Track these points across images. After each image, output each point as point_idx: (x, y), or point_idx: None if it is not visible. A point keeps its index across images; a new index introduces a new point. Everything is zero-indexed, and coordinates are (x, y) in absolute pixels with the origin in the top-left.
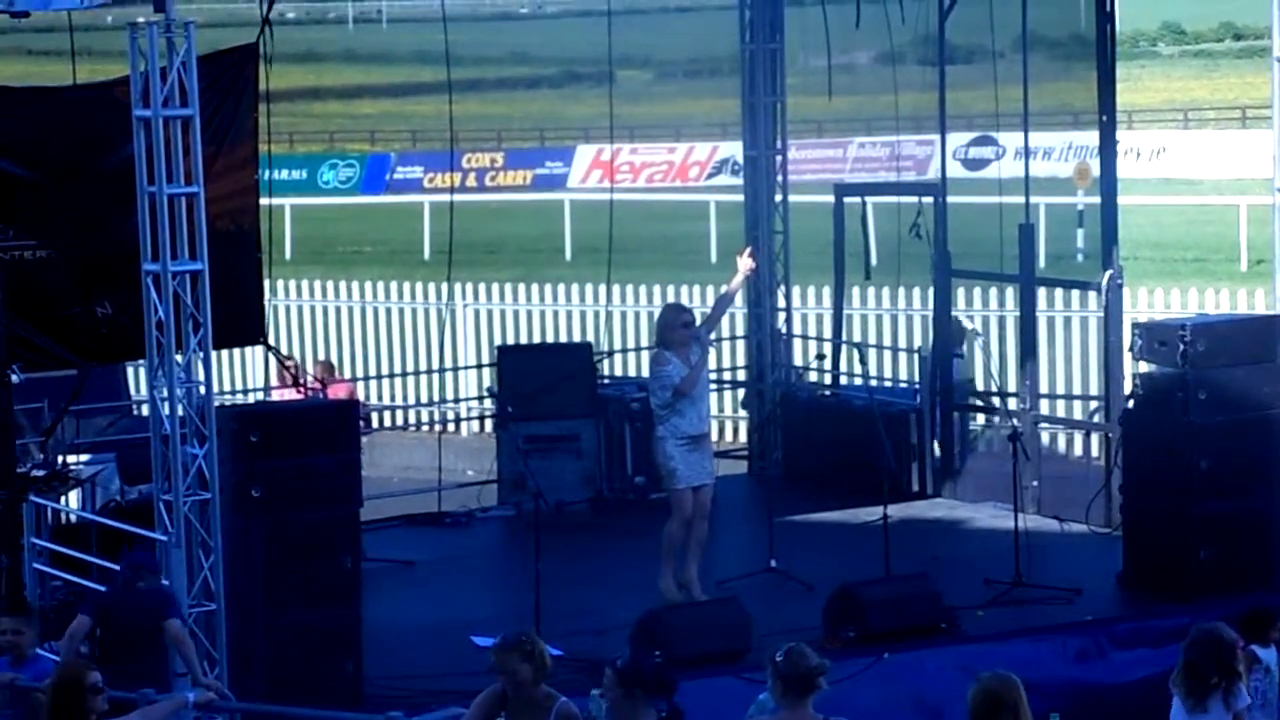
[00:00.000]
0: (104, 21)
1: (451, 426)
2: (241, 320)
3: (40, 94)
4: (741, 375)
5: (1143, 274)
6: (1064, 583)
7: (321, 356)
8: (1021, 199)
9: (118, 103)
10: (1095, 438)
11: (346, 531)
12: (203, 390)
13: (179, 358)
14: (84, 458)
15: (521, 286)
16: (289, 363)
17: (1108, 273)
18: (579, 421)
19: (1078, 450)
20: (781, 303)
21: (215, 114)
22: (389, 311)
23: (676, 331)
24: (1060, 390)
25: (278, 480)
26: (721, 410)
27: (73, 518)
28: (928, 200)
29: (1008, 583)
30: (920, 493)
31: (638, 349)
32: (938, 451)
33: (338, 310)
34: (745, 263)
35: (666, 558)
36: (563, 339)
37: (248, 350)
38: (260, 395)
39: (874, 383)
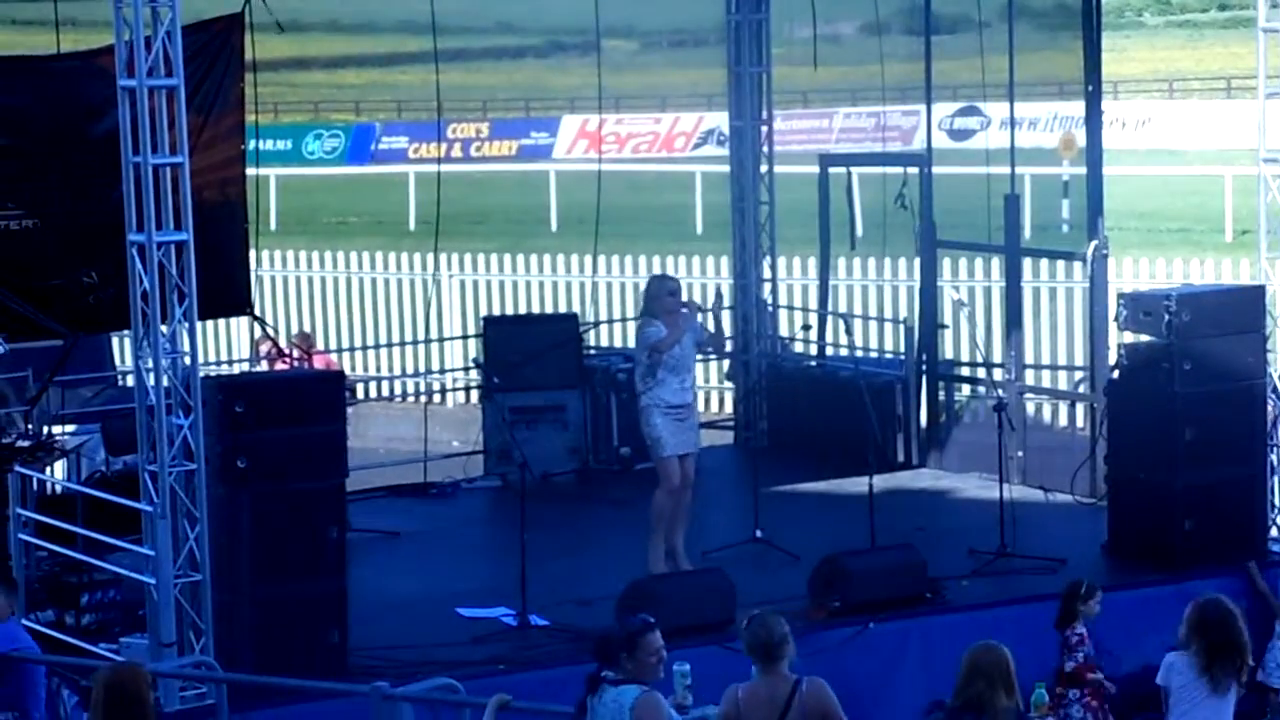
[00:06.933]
0: None
1: (437, 397)
2: (227, 290)
3: (26, 63)
4: (727, 346)
5: (1128, 244)
6: (1049, 553)
7: (304, 328)
8: (1007, 169)
9: (104, 71)
10: (1080, 408)
11: (332, 502)
12: (188, 361)
13: (164, 328)
14: (69, 428)
15: (507, 257)
16: (272, 336)
17: (1093, 243)
18: (565, 392)
19: (1063, 421)
20: (767, 273)
21: (201, 84)
22: (374, 282)
23: (662, 300)
24: (1045, 360)
25: (263, 451)
26: (707, 381)
27: (58, 488)
28: (913, 171)
29: (992, 553)
30: (906, 463)
31: (623, 319)
32: (924, 422)
33: (323, 281)
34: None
35: (655, 530)
36: (548, 310)
37: (233, 321)
38: (245, 366)
39: (859, 353)
